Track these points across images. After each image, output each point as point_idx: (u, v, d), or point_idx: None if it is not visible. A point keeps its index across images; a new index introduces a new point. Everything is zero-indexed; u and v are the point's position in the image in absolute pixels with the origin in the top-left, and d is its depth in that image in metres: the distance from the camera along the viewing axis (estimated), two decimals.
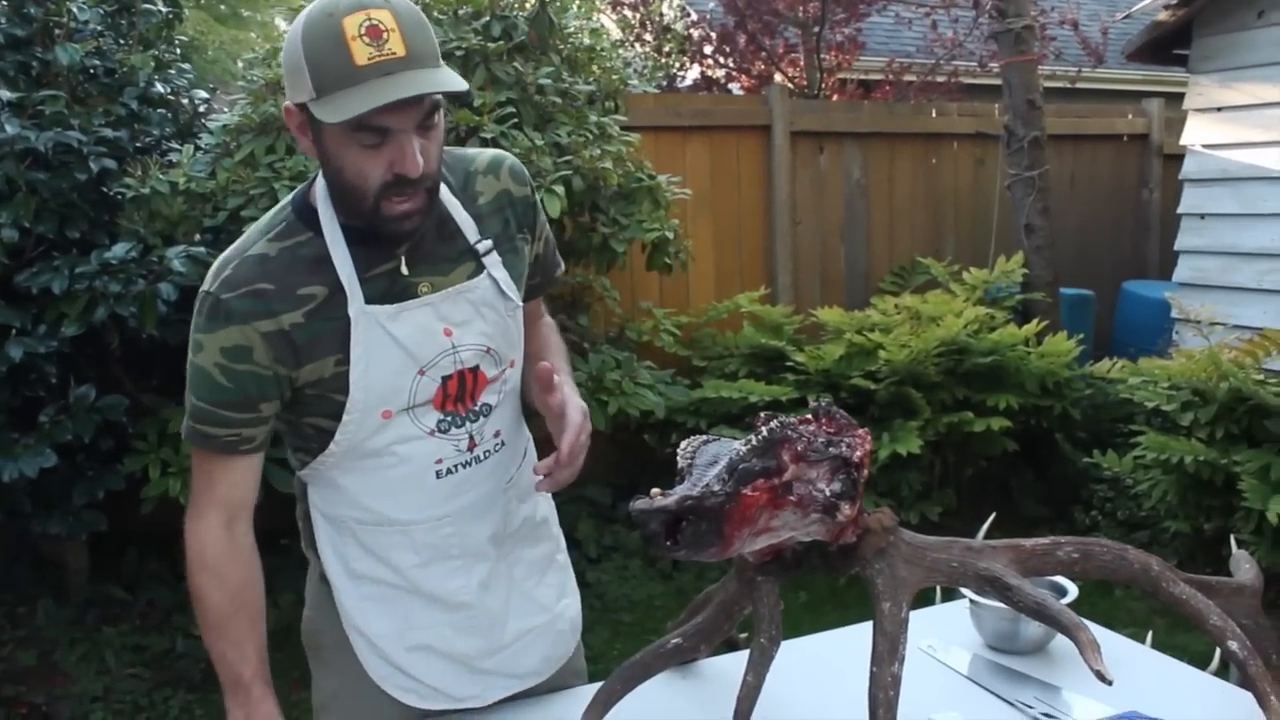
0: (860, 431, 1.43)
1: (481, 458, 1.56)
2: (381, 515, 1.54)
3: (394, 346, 1.44)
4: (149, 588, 4.05)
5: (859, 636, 1.83)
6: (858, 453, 1.39)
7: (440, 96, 1.34)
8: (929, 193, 6.13)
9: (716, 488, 1.23)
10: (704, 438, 1.35)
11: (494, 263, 1.53)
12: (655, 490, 1.23)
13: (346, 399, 1.45)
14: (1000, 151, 5.52)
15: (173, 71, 3.73)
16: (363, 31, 1.27)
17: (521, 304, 1.58)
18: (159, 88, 3.63)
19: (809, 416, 1.38)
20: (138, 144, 3.55)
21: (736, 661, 1.64)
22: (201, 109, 3.87)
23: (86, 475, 3.50)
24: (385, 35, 1.27)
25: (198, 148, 3.32)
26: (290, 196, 1.52)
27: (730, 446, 1.31)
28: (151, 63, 3.58)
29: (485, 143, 2.92)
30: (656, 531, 1.20)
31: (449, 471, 1.53)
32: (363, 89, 1.27)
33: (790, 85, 7.00)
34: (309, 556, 1.69)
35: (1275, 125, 4.81)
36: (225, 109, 3.66)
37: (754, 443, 1.28)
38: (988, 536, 1.97)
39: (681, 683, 1.70)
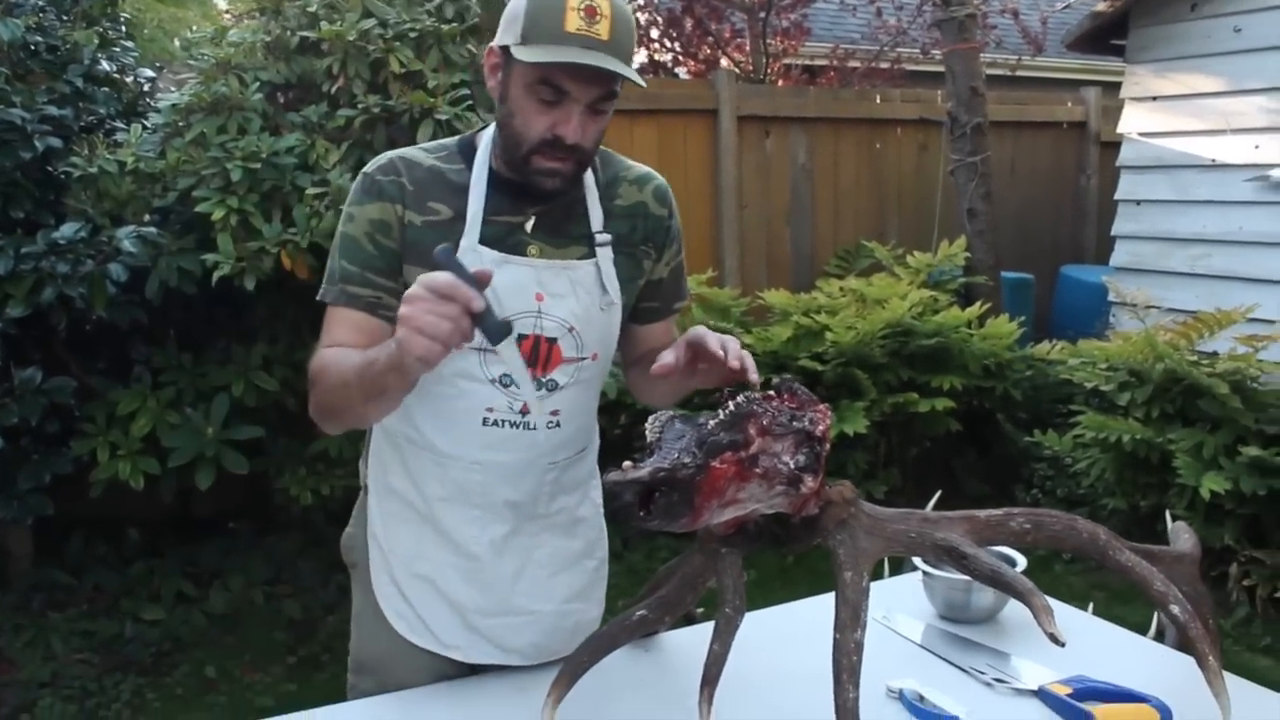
0: (821, 407, 1.47)
1: (531, 426, 1.62)
2: (426, 439, 1.63)
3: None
4: (95, 572, 4.00)
5: (811, 609, 1.90)
6: (820, 427, 1.43)
7: (617, 91, 1.49)
8: (873, 177, 6.21)
9: (687, 460, 1.26)
10: (670, 413, 1.38)
11: (605, 255, 1.63)
12: (627, 463, 1.26)
13: None
14: (944, 137, 5.62)
15: (117, 49, 3.67)
16: (581, 7, 1.42)
17: (619, 302, 1.65)
18: (104, 65, 3.57)
19: (771, 393, 1.42)
20: (82, 123, 3.49)
21: (697, 634, 1.69)
22: (147, 88, 3.81)
23: (31, 459, 3.44)
24: (598, 18, 1.43)
25: (145, 127, 3.27)
26: (460, 136, 1.68)
27: (697, 422, 1.34)
28: (95, 39, 3.52)
29: (439, 125, 2.93)
30: (630, 503, 1.23)
31: (495, 424, 1.60)
32: (562, 49, 1.41)
33: (736, 70, 7.04)
34: (360, 471, 1.79)
35: (1208, 115, 4.95)
36: (171, 88, 3.61)
37: (722, 417, 1.32)
38: None
39: (645, 656, 1.74)
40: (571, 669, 1.51)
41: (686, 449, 1.28)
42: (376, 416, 1.59)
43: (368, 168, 1.60)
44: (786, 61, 7.58)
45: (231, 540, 4.24)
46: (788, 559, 3.87)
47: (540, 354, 1.59)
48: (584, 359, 1.63)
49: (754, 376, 1.44)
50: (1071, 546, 1.53)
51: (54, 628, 3.69)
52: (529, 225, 1.58)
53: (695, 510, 1.28)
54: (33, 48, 3.41)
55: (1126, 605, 3.19)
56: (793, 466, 1.39)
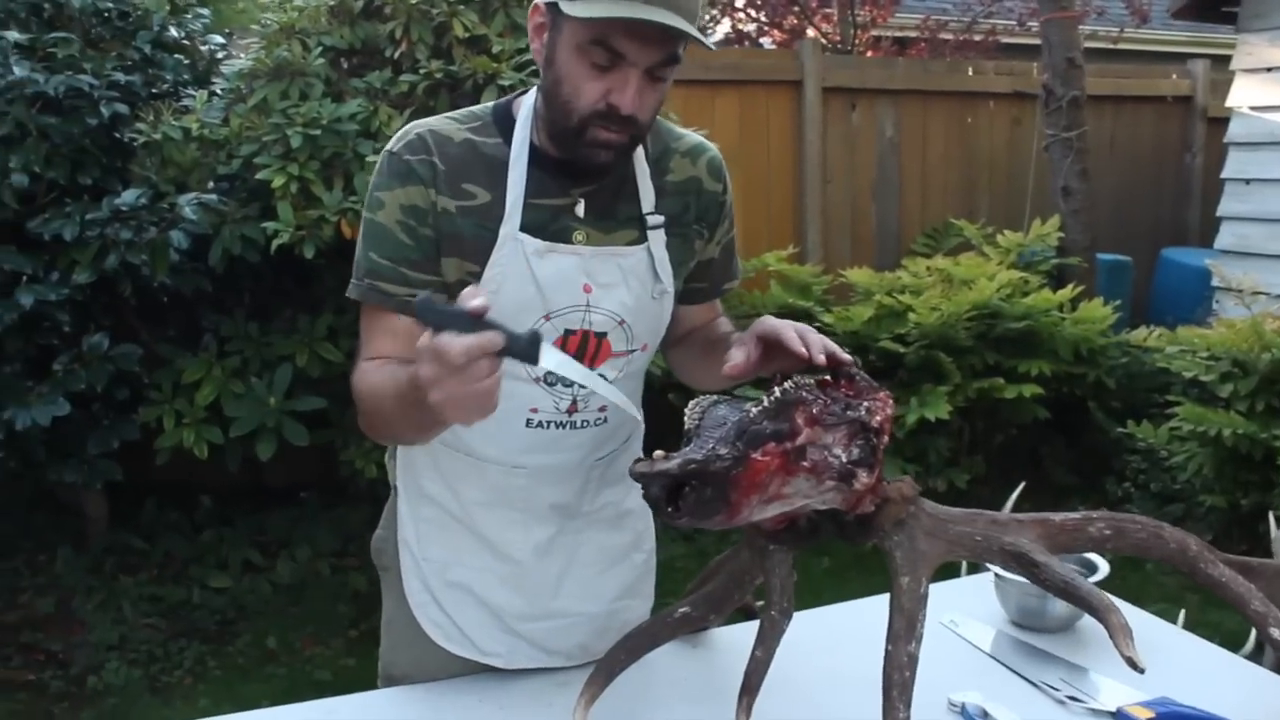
0: (881, 395, 1.35)
1: (578, 424, 1.50)
2: (463, 442, 1.50)
3: (530, 282, 1.40)
4: (167, 538, 4.05)
5: (881, 608, 1.77)
6: (877, 417, 1.31)
7: (679, 56, 1.33)
8: (963, 152, 5.99)
9: (723, 451, 1.15)
10: (714, 397, 1.27)
11: (657, 239, 1.48)
12: (659, 452, 1.16)
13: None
14: (1038, 111, 5.37)
15: (188, 16, 3.66)
16: None
17: (671, 289, 1.51)
18: (173, 32, 3.56)
19: (827, 378, 1.30)
20: (151, 89, 3.48)
21: (749, 632, 1.58)
22: (219, 55, 3.80)
23: (102, 425, 3.47)
24: None
25: (212, 93, 3.25)
26: (494, 103, 1.50)
27: (741, 408, 1.23)
28: (166, 6, 3.50)
29: (502, 90, 2.84)
30: (658, 496, 1.12)
31: (540, 425, 1.48)
32: (619, 4, 1.24)
33: (823, 41, 6.84)
34: (389, 469, 1.66)
35: None
36: (241, 55, 3.58)
37: (765, 404, 1.20)
38: (1016, 505, 1.90)
39: (690, 653, 1.64)
40: (607, 668, 1.41)
41: (725, 439, 1.17)
42: (431, 439, 1.46)
43: (392, 144, 1.43)
44: (875, 33, 7.35)
45: (301, 510, 4.25)
46: (865, 545, 3.73)
47: (589, 349, 1.46)
48: (634, 350, 1.51)
49: (846, 358, 1.29)
50: (1157, 556, 1.39)
51: (124, 591, 3.74)
52: (579, 209, 1.44)
53: (732, 506, 1.16)
54: (104, 14, 3.40)
55: (1223, 610, 2.97)
56: (845, 460, 1.27)
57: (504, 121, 1.45)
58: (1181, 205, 6.64)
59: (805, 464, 1.24)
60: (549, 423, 1.49)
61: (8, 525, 4.05)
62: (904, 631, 1.29)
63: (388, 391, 1.30)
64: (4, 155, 3.09)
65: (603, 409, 1.52)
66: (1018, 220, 5.53)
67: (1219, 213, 5.14)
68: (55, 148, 3.13)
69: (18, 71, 2.96)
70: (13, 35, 3.12)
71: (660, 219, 1.49)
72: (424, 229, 1.40)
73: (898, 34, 7.48)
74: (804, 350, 1.28)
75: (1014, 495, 1.90)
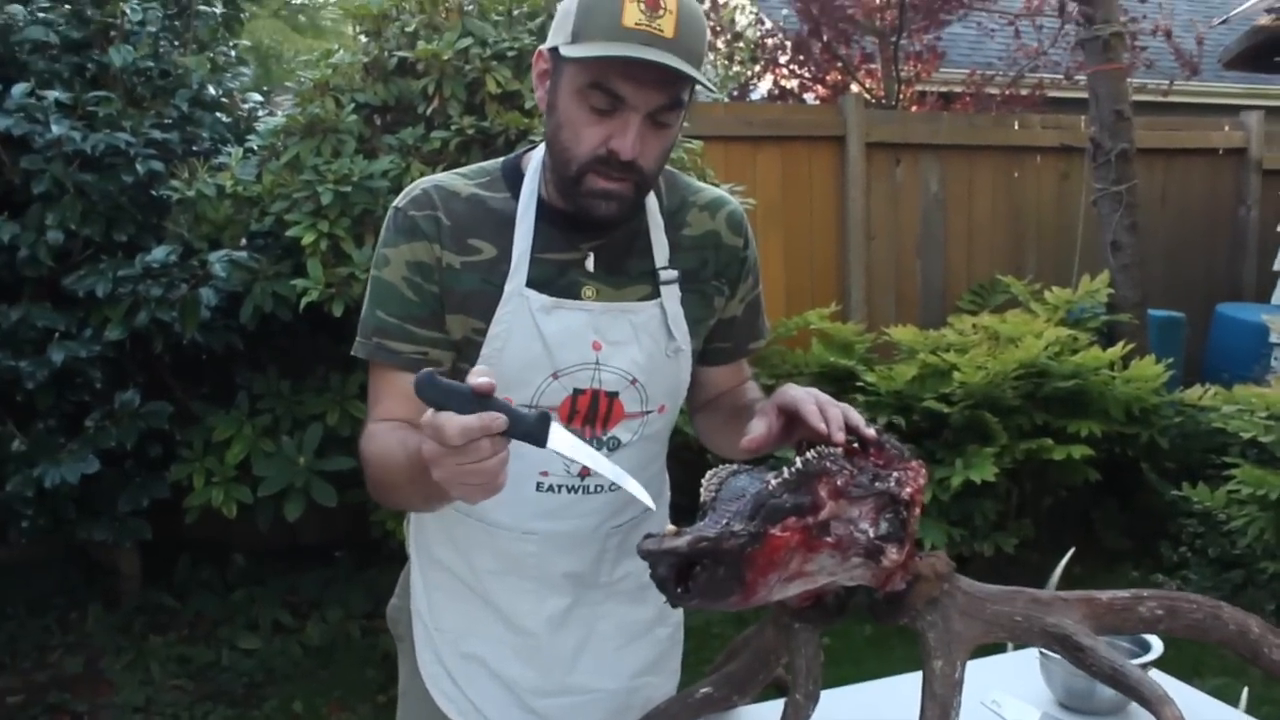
0: (913, 464, 1.27)
1: (591, 489, 1.43)
2: (475, 508, 1.42)
3: (536, 339, 1.36)
4: (199, 597, 4.00)
5: (908, 688, 1.67)
6: (908, 489, 1.23)
7: (684, 101, 1.30)
8: (1010, 208, 5.89)
9: (738, 527, 1.07)
10: (733, 467, 1.20)
11: (671, 295, 1.43)
12: (670, 528, 1.08)
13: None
14: (1086, 165, 5.27)
15: (228, 74, 3.68)
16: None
17: (687, 348, 1.46)
18: (212, 90, 3.59)
19: (855, 445, 1.22)
20: (190, 146, 3.50)
21: (775, 711, 1.49)
22: (259, 113, 3.82)
23: (133, 482, 3.46)
24: (661, 12, 1.23)
25: (248, 150, 3.25)
26: (504, 158, 1.47)
27: (760, 478, 1.15)
28: (207, 65, 3.54)
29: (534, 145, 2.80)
30: (665, 577, 1.05)
31: (550, 489, 1.42)
32: (617, 45, 1.22)
33: (867, 96, 6.80)
34: (405, 535, 1.62)
35: None
36: (279, 112, 3.60)
37: (786, 476, 1.13)
38: (1066, 571, 1.79)
39: None
40: None
41: (740, 513, 1.09)
42: (439, 509, 1.40)
43: (399, 200, 1.40)
44: (920, 88, 7.30)
45: (334, 570, 4.19)
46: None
47: (600, 410, 1.40)
48: (649, 412, 1.44)
49: (870, 433, 1.22)
50: (1216, 639, 1.29)
51: (153, 652, 3.69)
52: (588, 263, 1.38)
53: (747, 587, 1.08)
54: (146, 73, 3.44)
55: None
56: (872, 535, 1.19)
57: (513, 176, 1.42)
58: (1236, 260, 6.47)
59: (829, 540, 1.16)
60: (560, 487, 1.42)
61: (42, 582, 4.04)
62: None
63: (396, 458, 1.25)
64: (41, 213, 3.11)
65: None
66: (1066, 277, 5.41)
67: (1276, 267, 4.98)
68: (91, 205, 3.14)
69: (56, 130, 2.99)
70: (55, 94, 3.14)
71: (674, 274, 1.43)
72: (429, 285, 1.36)
73: (942, 89, 7.42)
74: (823, 426, 1.21)
75: (1063, 561, 1.80)
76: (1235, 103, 7.94)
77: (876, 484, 1.20)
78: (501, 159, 1.46)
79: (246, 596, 3.99)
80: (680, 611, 1.66)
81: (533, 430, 1.06)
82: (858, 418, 1.25)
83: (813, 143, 5.33)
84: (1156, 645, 1.64)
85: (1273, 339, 4.73)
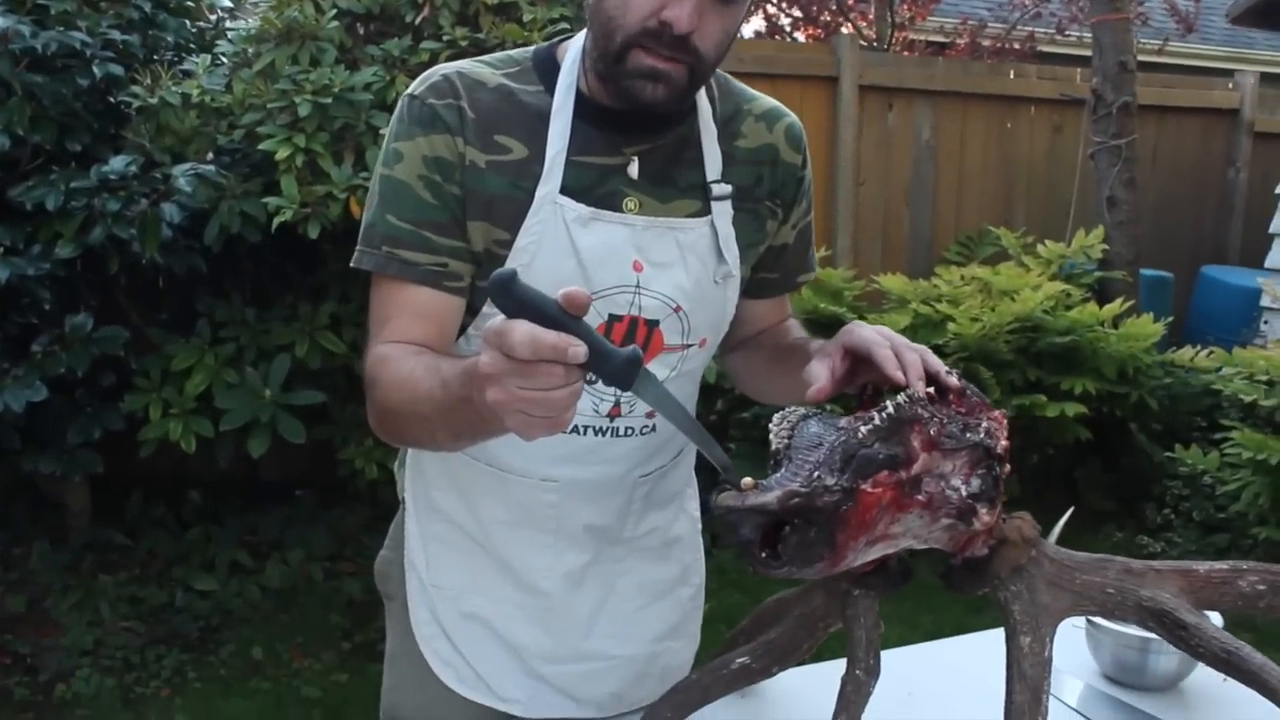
0: (996, 414, 1.12)
1: (621, 432, 1.26)
2: (484, 449, 1.26)
3: (570, 255, 1.17)
4: (151, 535, 3.79)
5: (985, 647, 1.55)
6: (1001, 442, 1.08)
7: None
8: (1002, 159, 5.75)
9: (830, 481, 0.90)
10: (801, 411, 1.03)
11: (723, 211, 1.25)
12: (747, 480, 0.90)
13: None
14: (1085, 118, 5.12)
15: None
16: None
17: (737, 273, 1.27)
18: None
19: (931, 391, 1.06)
20: (151, 52, 3.24)
21: (806, 678, 1.34)
22: (225, 20, 3.55)
23: (85, 412, 3.23)
24: None
25: (216, 59, 3.01)
26: (536, 47, 1.28)
27: (837, 425, 0.98)
28: None
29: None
30: (752, 539, 0.87)
31: (575, 430, 1.24)
32: None
33: (860, 38, 6.60)
34: (397, 479, 1.45)
35: None
36: (250, 19, 3.34)
37: (876, 422, 0.96)
38: (1061, 536, 1.65)
39: (739, 704, 1.39)
40: None
41: (828, 464, 0.92)
42: (466, 447, 1.21)
43: (414, 87, 1.21)
44: (912, 36, 7.11)
45: (296, 510, 3.99)
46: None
47: (637, 341, 1.22)
48: (690, 345, 1.26)
49: (953, 381, 1.06)
50: None
51: (102, 591, 3.49)
52: (632, 169, 1.20)
53: (837, 551, 0.92)
54: None
55: None
56: (964, 494, 1.04)
57: (546, 67, 1.22)
58: (1223, 221, 6.39)
59: (920, 498, 1.00)
60: (586, 428, 1.25)
61: None
62: (1028, 707, 1.06)
63: (423, 385, 1.05)
64: None
65: (651, 415, 1.27)
66: (1055, 231, 5.29)
67: (1271, 229, 4.89)
68: (42, 109, 2.87)
69: (2, 23, 2.71)
70: None
71: (727, 189, 1.25)
72: (450, 186, 1.17)
73: (933, 38, 7.24)
74: (900, 375, 1.04)
75: (1061, 522, 1.66)
76: (1222, 66, 7.85)
77: (968, 435, 1.05)
78: (532, 48, 1.27)
79: (202, 535, 3.78)
80: (702, 572, 1.50)
81: (619, 371, 0.86)
82: (937, 362, 1.09)
83: (805, 82, 5.13)
84: (1215, 618, 1.51)
85: (1266, 302, 4.63)
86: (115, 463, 3.42)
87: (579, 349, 0.82)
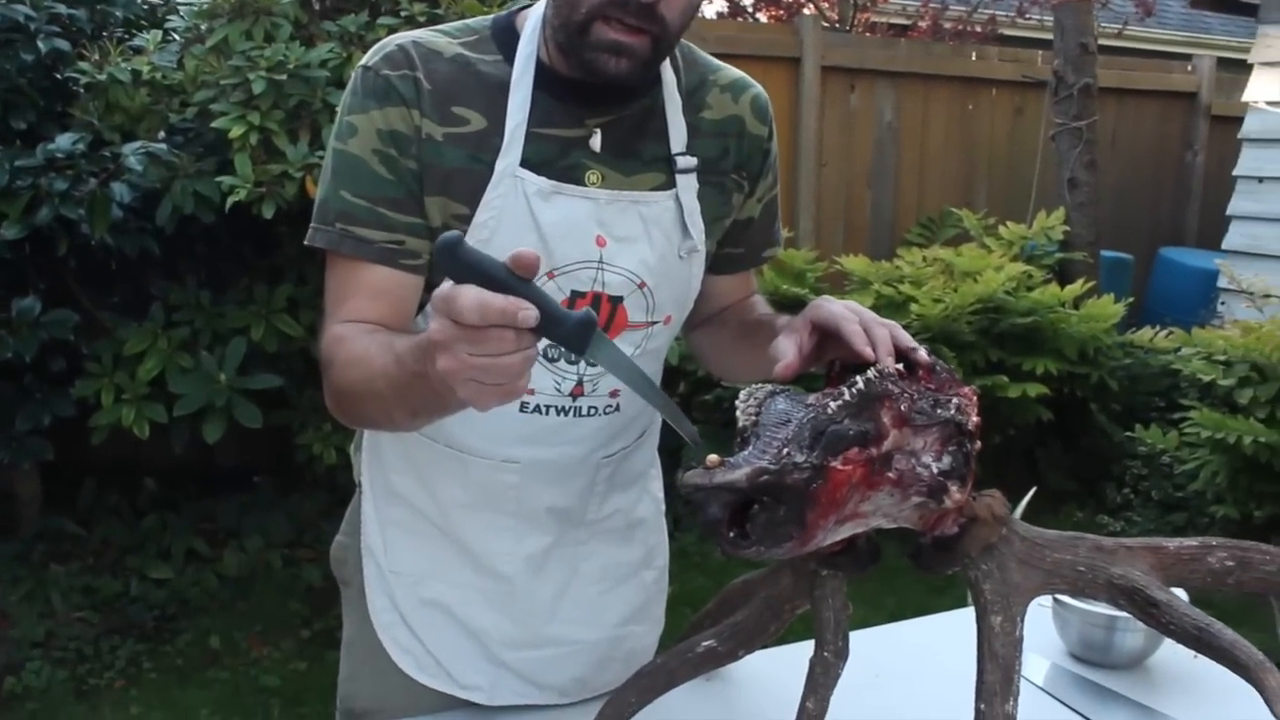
0: (966, 390, 1.10)
1: (584, 412, 1.24)
2: (443, 429, 1.23)
3: (531, 229, 1.14)
4: (105, 524, 3.71)
5: (951, 627, 1.54)
6: (972, 419, 1.06)
7: None
8: (963, 141, 5.77)
9: (800, 458, 0.87)
10: (768, 388, 1.00)
11: (688, 185, 1.22)
12: (712, 457, 0.88)
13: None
14: (1047, 99, 5.15)
15: None
16: None
17: (703, 248, 1.25)
18: None
19: (900, 367, 1.04)
20: (102, 31, 3.15)
21: (774, 660, 1.32)
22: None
23: (34, 398, 3.15)
24: None
25: (166, 34, 2.93)
26: (494, 15, 1.25)
27: (805, 402, 0.96)
28: None
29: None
30: (719, 518, 0.85)
31: (537, 410, 1.22)
32: None
33: (823, 19, 6.59)
34: (353, 462, 1.41)
35: None
36: None
37: (846, 398, 0.93)
38: (1022, 516, 1.65)
39: (705, 689, 1.37)
40: (615, 712, 1.16)
41: (796, 441, 0.90)
42: (424, 425, 1.18)
43: (368, 58, 1.17)
44: (874, 18, 7.10)
45: (253, 496, 3.93)
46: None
47: (600, 317, 1.19)
48: (654, 323, 1.24)
49: (924, 357, 1.04)
50: None
51: (54, 581, 3.42)
52: (594, 142, 1.17)
53: (807, 530, 0.89)
54: None
55: None
56: (935, 471, 1.02)
57: (505, 36, 1.19)
58: (1180, 204, 6.46)
59: (890, 475, 0.98)
60: (548, 408, 1.22)
61: None
62: (1000, 687, 1.04)
63: (377, 362, 1.02)
64: None
65: (614, 393, 1.24)
66: (1016, 213, 5.31)
67: (1229, 211, 4.94)
68: None
69: None
70: None
71: (693, 162, 1.22)
72: (406, 160, 1.14)
73: (895, 19, 7.25)
74: (869, 351, 1.02)
75: (1024, 501, 1.66)
76: (1180, 50, 7.93)
77: (939, 411, 1.02)
78: (491, 16, 1.23)
79: (158, 523, 3.71)
80: (666, 554, 1.47)
81: (572, 334, 0.83)
82: (907, 338, 1.07)
83: (767, 63, 5.10)
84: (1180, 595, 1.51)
85: (1224, 283, 4.67)
86: (67, 450, 3.35)
87: (529, 312, 0.80)
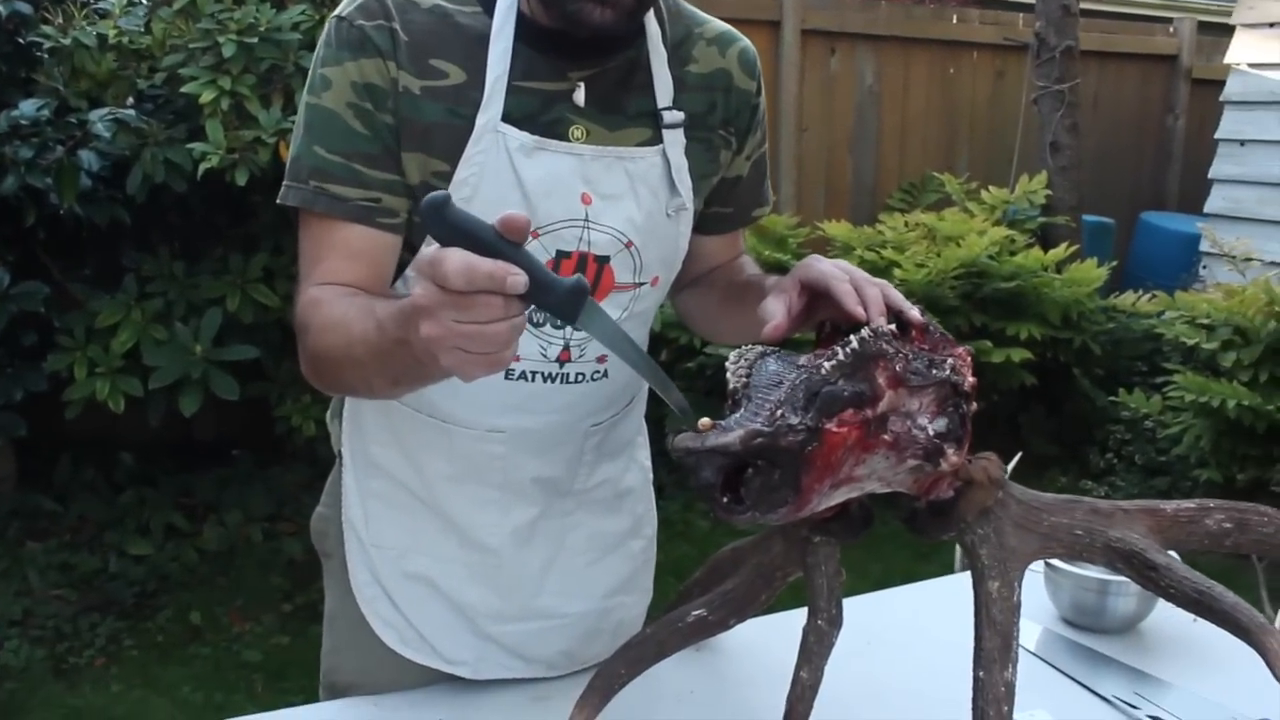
0: (960, 350, 1.07)
1: (571, 378, 1.20)
2: (426, 398, 1.19)
3: (514, 187, 1.10)
4: (82, 500, 3.67)
5: (942, 593, 1.54)
6: (967, 379, 1.03)
7: None
8: (945, 104, 5.73)
9: (794, 420, 0.84)
10: (759, 349, 0.97)
11: (675, 141, 1.18)
12: (705, 421, 0.84)
13: None
14: (1028, 62, 5.11)
15: None
16: None
17: (691, 206, 1.21)
18: None
19: (893, 327, 1.01)
20: None
21: (765, 629, 1.29)
22: None
23: (5, 373, 3.11)
24: None
25: None
26: None
27: (797, 363, 0.93)
28: None
29: None
30: (713, 483, 0.81)
31: (522, 377, 1.18)
32: None
33: None
34: (331, 432, 1.38)
35: None
36: None
37: (840, 358, 0.90)
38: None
39: (695, 659, 1.35)
40: (604, 683, 1.12)
41: (790, 402, 0.87)
42: (404, 394, 1.14)
43: (342, 8, 1.12)
44: None
45: (232, 470, 3.89)
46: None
47: (586, 278, 1.14)
48: (641, 284, 1.20)
49: (916, 316, 1.01)
50: None
51: (31, 559, 3.38)
52: (578, 96, 1.13)
53: (802, 494, 0.86)
54: None
55: None
56: (931, 433, 0.99)
57: None
58: (1161, 168, 6.45)
59: (886, 437, 0.95)
60: (534, 374, 1.18)
61: None
62: (998, 654, 1.02)
63: (358, 326, 0.98)
64: None
65: (602, 359, 1.21)
66: (998, 177, 5.29)
67: (1210, 175, 4.92)
68: None
69: None
70: None
71: (679, 116, 1.18)
72: (382, 114, 1.09)
73: None
74: (860, 310, 0.99)
75: (1009, 468, 1.64)
76: (1162, 15, 7.88)
77: (934, 371, 0.99)
78: None
79: (135, 498, 3.67)
80: (654, 524, 1.45)
81: (563, 302, 0.80)
82: (899, 297, 1.04)
83: (746, 26, 4.93)
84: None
85: (1206, 247, 4.67)
86: (41, 425, 3.30)
87: (518, 278, 0.76)
